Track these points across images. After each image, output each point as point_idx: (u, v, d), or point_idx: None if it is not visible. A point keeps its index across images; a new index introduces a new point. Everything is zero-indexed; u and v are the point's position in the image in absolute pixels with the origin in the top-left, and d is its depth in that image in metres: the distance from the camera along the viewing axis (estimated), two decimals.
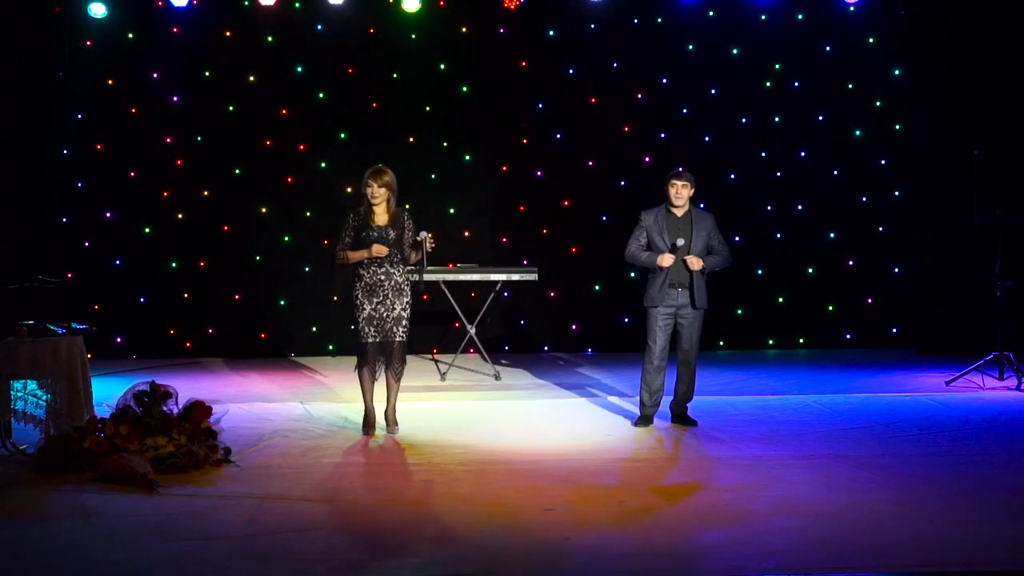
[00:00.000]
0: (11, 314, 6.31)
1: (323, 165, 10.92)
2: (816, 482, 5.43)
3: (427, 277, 9.13)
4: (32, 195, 10.58)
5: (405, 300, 6.73)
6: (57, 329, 6.26)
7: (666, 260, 6.73)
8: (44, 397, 6.18)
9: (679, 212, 6.85)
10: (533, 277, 9.28)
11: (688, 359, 6.94)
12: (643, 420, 7.00)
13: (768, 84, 11.14)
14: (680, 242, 6.74)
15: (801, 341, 11.27)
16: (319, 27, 10.91)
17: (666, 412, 7.14)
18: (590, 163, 10.99)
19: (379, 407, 6.87)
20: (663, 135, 11.03)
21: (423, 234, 6.65)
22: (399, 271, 6.73)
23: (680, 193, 6.81)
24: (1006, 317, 8.67)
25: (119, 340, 10.79)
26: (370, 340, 6.66)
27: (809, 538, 4.48)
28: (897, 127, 11.09)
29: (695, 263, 6.71)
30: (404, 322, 6.73)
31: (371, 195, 6.65)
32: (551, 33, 11.07)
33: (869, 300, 11.15)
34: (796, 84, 11.14)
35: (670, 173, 6.90)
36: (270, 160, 10.90)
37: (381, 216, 6.68)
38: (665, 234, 6.81)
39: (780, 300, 11.23)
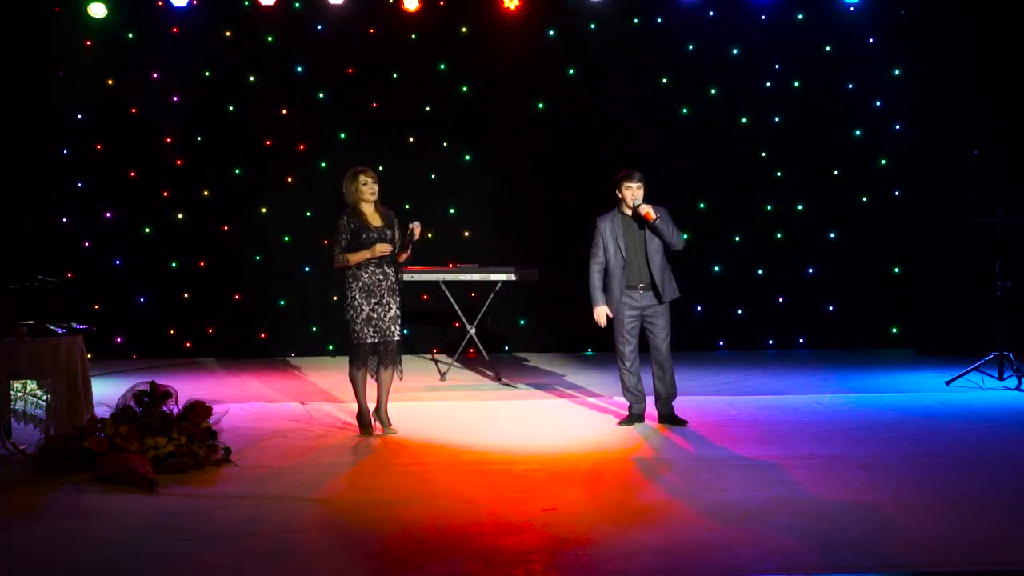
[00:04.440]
0: (11, 314, 6.31)
1: (323, 165, 10.92)
2: (816, 482, 5.43)
3: (427, 277, 9.17)
4: (32, 195, 10.60)
5: (398, 299, 6.78)
6: (57, 329, 6.27)
7: (600, 318, 6.96)
8: (44, 397, 6.18)
9: (632, 213, 6.88)
10: (533, 277, 9.27)
11: (660, 358, 6.91)
12: (629, 419, 7.01)
13: (768, 84, 11.14)
14: (637, 203, 6.75)
15: (801, 341, 11.27)
16: (319, 27, 10.91)
17: (654, 412, 7.16)
18: (590, 163, 10.97)
19: (373, 407, 6.89)
20: (663, 135, 11.01)
21: (413, 225, 6.71)
22: (394, 271, 6.77)
23: (636, 195, 6.82)
24: (1006, 317, 8.66)
25: (119, 340, 10.80)
26: (368, 341, 6.66)
27: (809, 538, 4.48)
28: (897, 127, 11.09)
29: (649, 211, 6.69)
30: (399, 321, 6.76)
31: (369, 192, 6.67)
32: (551, 33, 11.07)
33: (868, 300, 11.14)
34: (796, 84, 11.14)
35: (622, 175, 6.89)
36: (270, 160, 10.91)
37: (373, 217, 6.70)
38: (621, 240, 6.86)
39: (780, 300, 11.23)
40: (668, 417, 7.01)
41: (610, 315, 7.01)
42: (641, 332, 6.96)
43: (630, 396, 7.01)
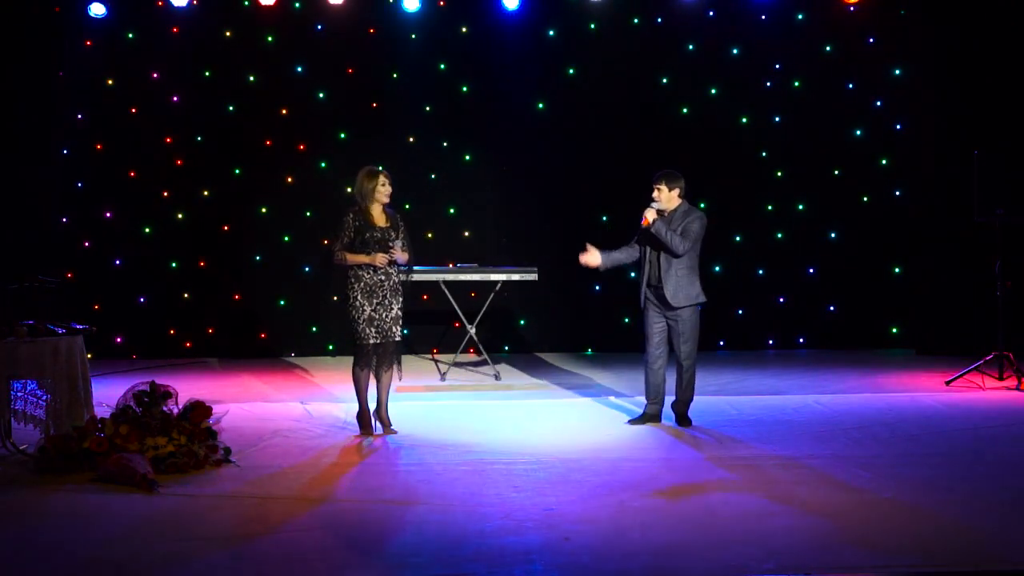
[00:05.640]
0: (11, 314, 6.31)
1: (323, 165, 10.92)
2: (816, 482, 5.43)
3: (428, 277, 9.18)
4: (32, 195, 10.60)
5: (400, 299, 6.78)
6: (57, 329, 6.27)
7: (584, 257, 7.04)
8: (44, 397, 6.18)
9: (665, 212, 6.92)
10: (533, 277, 9.27)
11: (680, 360, 6.94)
12: (641, 418, 7.07)
13: (768, 84, 11.14)
14: (656, 205, 6.83)
15: (801, 341, 11.27)
16: (319, 27, 10.91)
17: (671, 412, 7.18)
18: (590, 163, 10.98)
19: (374, 407, 6.89)
20: (663, 135, 11.00)
21: (398, 243, 6.69)
22: (395, 271, 6.77)
23: (657, 195, 6.89)
24: (1006, 317, 8.67)
25: (119, 340, 10.80)
26: (371, 342, 6.66)
27: (809, 538, 4.49)
28: (897, 127, 11.09)
29: (646, 216, 6.78)
30: (400, 321, 6.77)
31: (385, 194, 6.69)
32: (551, 33, 11.07)
33: (868, 300, 11.13)
34: (796, 84, 11.13)
35: None
36: (270, 160, 10.91)
37: (380, 217, 6.70)
38: (649, 237, 6.90)
39: (780, 300, 11.22)
40: (679, 417, 7.05)
41: (594, 262, 7.03)
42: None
43: (648, 395, 7.06)
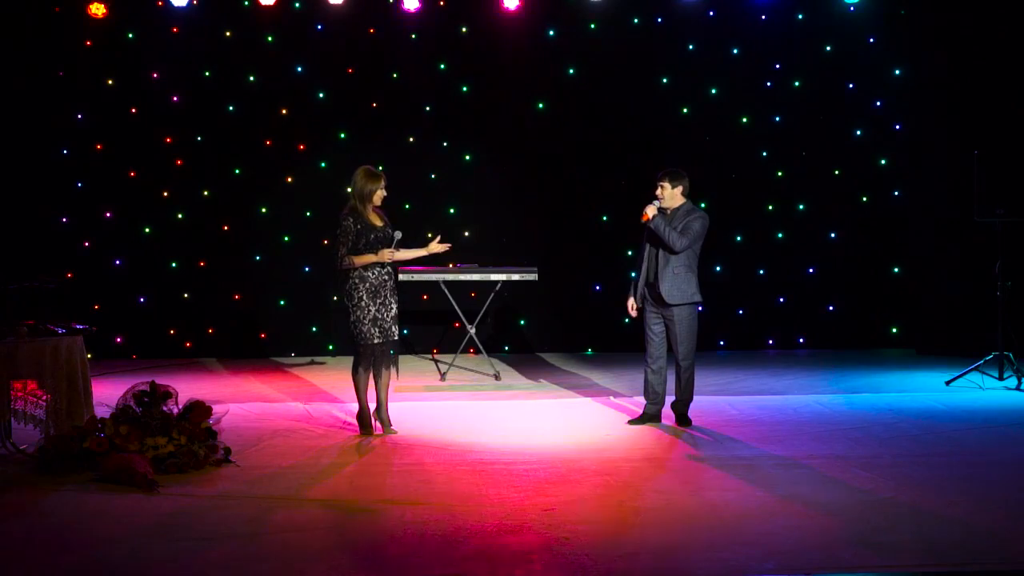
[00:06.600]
0: (11, 314, 6.31)
1: (323, 165, 10.93)
2: (816, 482, 5.43)
3: (428, 277, 9.18)
4: (32, 195, 10.61)
5: (397, 298, 6.81)
6: (57, 329, 6.27)
7: (629, 308, 7.07)
8: (44, 397, 6.18)
9: (668, 210, 6.93)
10: (533, 277, 9.27)
11: (678, 360, 6.95)
12: (641, 418, 7.07)
13: (768, 84, 11.14)
14: (654, 207, 6.82)
15: (801, 341, 11.27)
16: (319, 27, 10.91)
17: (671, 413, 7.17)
18: (590, 163, 10.99)
19: (374, 407, 6.89)
20: (663, 135, 11.01)
21: (398, 234, 6.74)
22: (395, 271, 6.80)
23: (660, 193, 6.91)
24: (1006, 317, 8.67)
25: (119, 340, 10.81)
26: (375, 342, 6.67)
27: (809, 538, 4.48)
28: (897, 127, 11.09)
29: (645, 211, 6.77)
30: (398, 320, 6.80)
31: (381, 198, 6.73)
32: (551, 33, 11.07)
33: (868, 300, 11.13)
34: (796, 84, 11.13)
35: None
36: (270, 160, 10.92)
37: (374, 217, 6.73)
38: (650, 236, 6.91)
39: (780, 300, 11.22)
40: (679, 417, 7.06)
41: (635, 307, 7.05)
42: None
43: (647, 396, 7.06)
